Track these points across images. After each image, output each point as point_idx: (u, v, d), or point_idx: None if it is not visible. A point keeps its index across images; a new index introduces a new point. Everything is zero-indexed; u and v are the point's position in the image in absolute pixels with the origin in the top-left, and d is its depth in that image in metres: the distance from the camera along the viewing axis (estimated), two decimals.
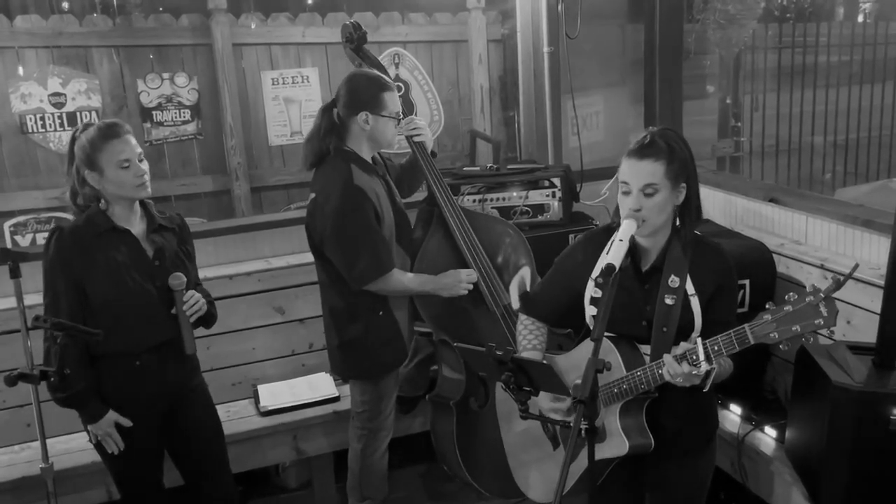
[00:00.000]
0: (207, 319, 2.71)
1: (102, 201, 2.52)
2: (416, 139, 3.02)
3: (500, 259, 3.17)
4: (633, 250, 2.20)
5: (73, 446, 3.21)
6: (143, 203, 2.60)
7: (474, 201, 3.54)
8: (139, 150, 2.50)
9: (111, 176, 2.45)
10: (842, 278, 1.88)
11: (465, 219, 3.09)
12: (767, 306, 1.92)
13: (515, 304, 3.11)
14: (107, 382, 2.56)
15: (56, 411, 3.20)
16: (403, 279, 2.90)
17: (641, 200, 2.07)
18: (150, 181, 2.53)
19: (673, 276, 2.13)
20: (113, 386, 2.56)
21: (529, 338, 2.41)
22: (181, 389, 2.68)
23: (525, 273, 3.21)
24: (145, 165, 2.51)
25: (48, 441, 2.57)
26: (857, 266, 2.03)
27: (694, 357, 1.97)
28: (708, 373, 1.99)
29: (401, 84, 4.20)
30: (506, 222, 3.30)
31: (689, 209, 2.15)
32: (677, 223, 2.18)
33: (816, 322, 1.88)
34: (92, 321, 2.49)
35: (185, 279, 2.54)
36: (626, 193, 2.09)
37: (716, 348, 1.97)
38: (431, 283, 2.97)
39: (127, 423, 2.57)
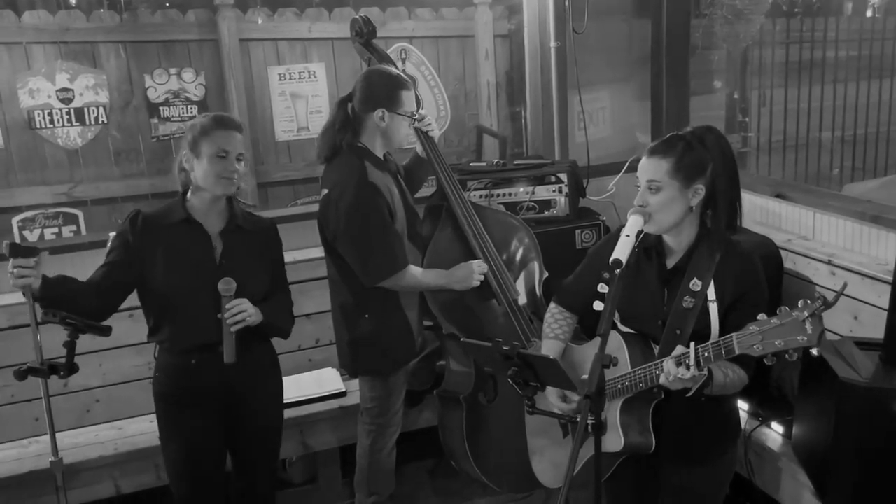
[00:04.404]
0: (270, 331, 2.69)
1: (190, 190, 2.55)
2: (428, 132, 3.02)
3: (508, 254, 3.18)
4: (659, 247, 2.20)
5: (82, 441, 3.24)
6: (231, 200, 2.59)
7: (481, 196, 3.55)
8: (242, 150, 2.51)
9: (204, 163, 2.47)
10: (830, 298, 1.85)
11: (474, 213, 3.10)
12: (759, 317, 1.90)
13: (523, 299, 3.12)
14: (166, 375, 2.60)
15: (65, 406, 3.24)
16: (417, 275, 2.91)
17: (647, 196, 2.08)
18: (238, 182, 2.51)
19: (695, 280, 2.12)
20: (172, 379, 2.59)
21: (553, 326, 2.43)
22: (242, 388, 2.63)
23: (533, 268, 3.22)
24: (241, 166, 2.50)
25: (57, 435, 2.60)
26: (845, 285, 2.02)
27: (687, 361, 1.95)
28: (694, 378, 1.96)
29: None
30: (514, 217, 3.31)
31: (716, 212, 2.13)
32: (708, 224, 2.16)
33: (800, 339, 1.84)
34: (147, 307, 2.57)
35: (233, 285, 2.47)
36: (637, 188, 2.11)
37: (706, 355, 1.96)
38: (444, 278, 2.98)
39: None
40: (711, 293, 2.12)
